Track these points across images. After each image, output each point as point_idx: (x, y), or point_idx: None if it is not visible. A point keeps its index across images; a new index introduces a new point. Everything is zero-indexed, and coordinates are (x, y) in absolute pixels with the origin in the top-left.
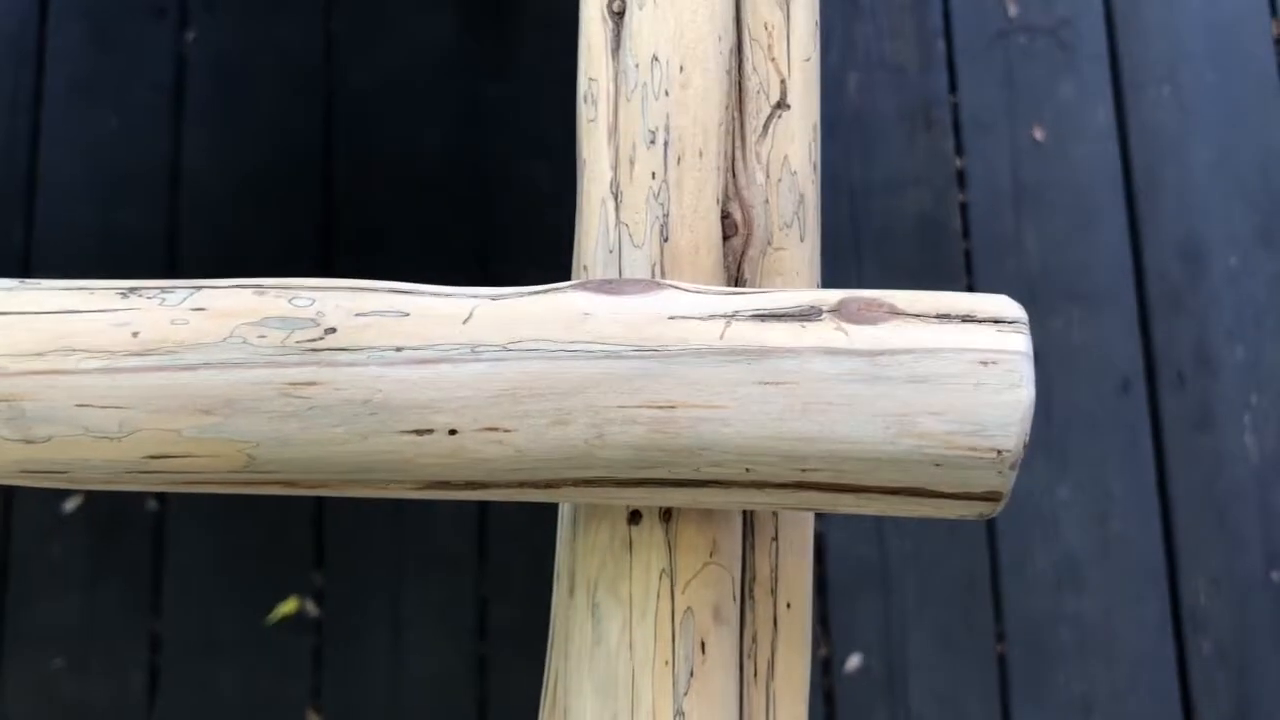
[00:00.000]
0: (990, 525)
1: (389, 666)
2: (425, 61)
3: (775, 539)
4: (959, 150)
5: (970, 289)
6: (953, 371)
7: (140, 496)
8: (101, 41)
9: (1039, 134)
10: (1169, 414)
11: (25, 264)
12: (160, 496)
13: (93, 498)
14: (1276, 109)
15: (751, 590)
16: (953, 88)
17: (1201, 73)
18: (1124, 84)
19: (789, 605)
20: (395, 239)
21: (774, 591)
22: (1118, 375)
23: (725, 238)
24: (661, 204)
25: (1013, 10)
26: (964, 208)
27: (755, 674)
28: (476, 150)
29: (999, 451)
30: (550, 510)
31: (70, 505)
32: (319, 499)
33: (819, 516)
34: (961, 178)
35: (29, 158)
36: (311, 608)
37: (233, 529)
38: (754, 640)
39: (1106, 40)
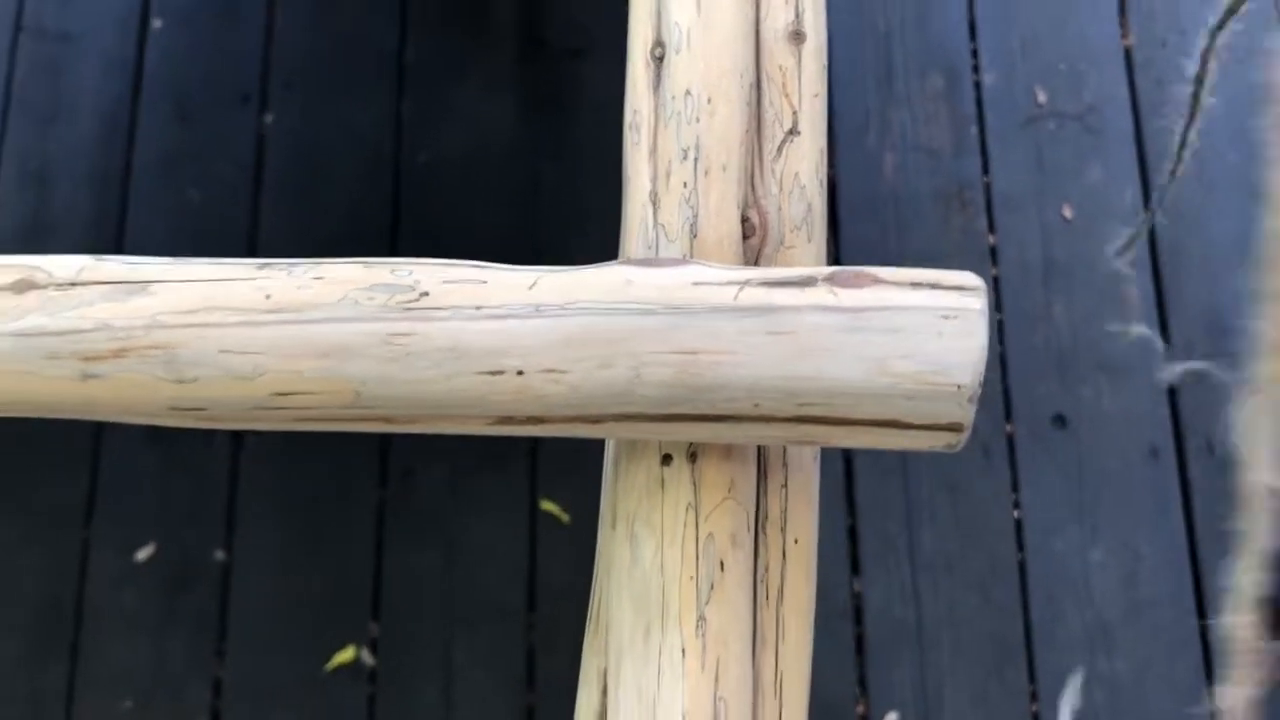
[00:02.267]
0: (1023, 587)
1: (441, 714)
2: (487, 143)
3: (785, 485)
4: (991, 228)
5: (1003, 359)
6: (921, 324)
7: (209, 548)
8: (188, 121)
9: (1068, 212)
10: (1198, 481)
11: None
12: (228, 547)
13: (164, 548)
14: None
15: (764, 527)
16: (985, 170)
17: (1222, 152)
18: (1149, 166)
19: (796, 541)
20: None
21: (784, 529)
22: (1146, 443)
23: (745, 237)
24: (691, 207)
25: (1041, 97)
26: (996, 282)
27: (767, 597)
28: (533, 223)
29: (958, 386)
30: (591, 568)
31: (143, 555)
32: (378, 553)
33: (858, 575)
34: (994, 254)
35: (117, 226)
36: (368, 656)
37: (295, 580)
38: (766, 569)
39: (1132, 125)
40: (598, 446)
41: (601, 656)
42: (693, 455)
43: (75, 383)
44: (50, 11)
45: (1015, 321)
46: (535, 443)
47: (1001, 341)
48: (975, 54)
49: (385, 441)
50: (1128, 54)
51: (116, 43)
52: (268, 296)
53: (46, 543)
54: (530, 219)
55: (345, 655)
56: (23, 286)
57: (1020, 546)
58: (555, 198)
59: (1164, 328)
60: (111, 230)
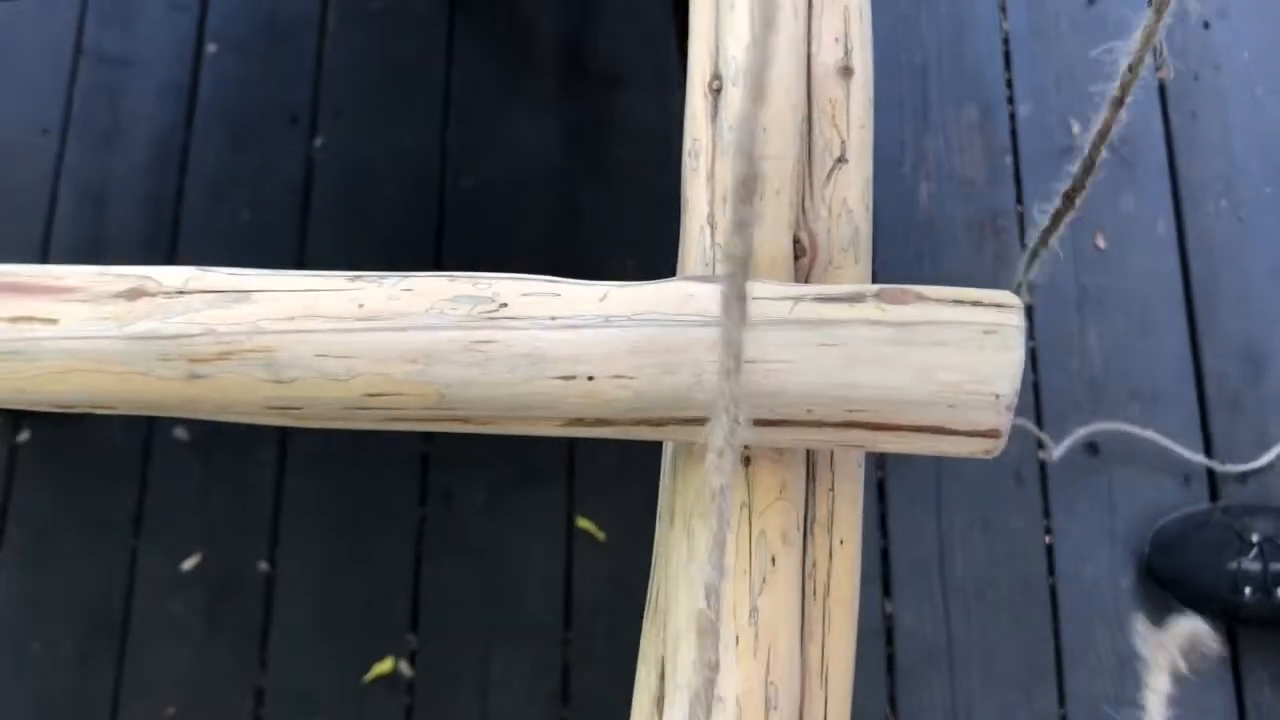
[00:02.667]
0: (1054, 612)
1: None
2: (530, 168)
3: (831, 489)
4: None
5: (1036, 386)
6: (963, 338)
7: (253, 559)
8: (239, 144)
9: (1101, 242)
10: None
11: None
12: (272, 559)
13: (209, 558)
14: None
15: (812, 529)
16: (1019, 199)
17: (1258, 187)
18: (1182, 198)
19: (842, 542)
20: None
21: (830, 530)
22: (1179, 471)
23: (796, 258)
24: None
25: (1076, 129)
26: (1030, 309)
27: (814, 592)
28: (572, 245)
29: (997, 395)
30: (625, 586)
31: (188, 565)
32: (417, 567)
33: (890, 597)
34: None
35: (169, 245)
36: (406, 668)
37: (336, 592)
38: (814, 566)
39: (1166, 157)
40: (632, 467)
41: (659, 643)
42: (747, 459)
43: (182, 382)
44: (109, 37)
45: (1048, 349)
46: (572, 462)
47: (1035, 369)
48: (1010, 85)
49: (426, 459)
50: (1162, 87)
51: (172, 67)
52: (360, 306)
53: (96, 551)
54: (570, 241)
55: (384, 666)
56: (135, 294)
57: (1051, 571)
58: (594, 222)
59: (1197, 358)
60: (164, 249)
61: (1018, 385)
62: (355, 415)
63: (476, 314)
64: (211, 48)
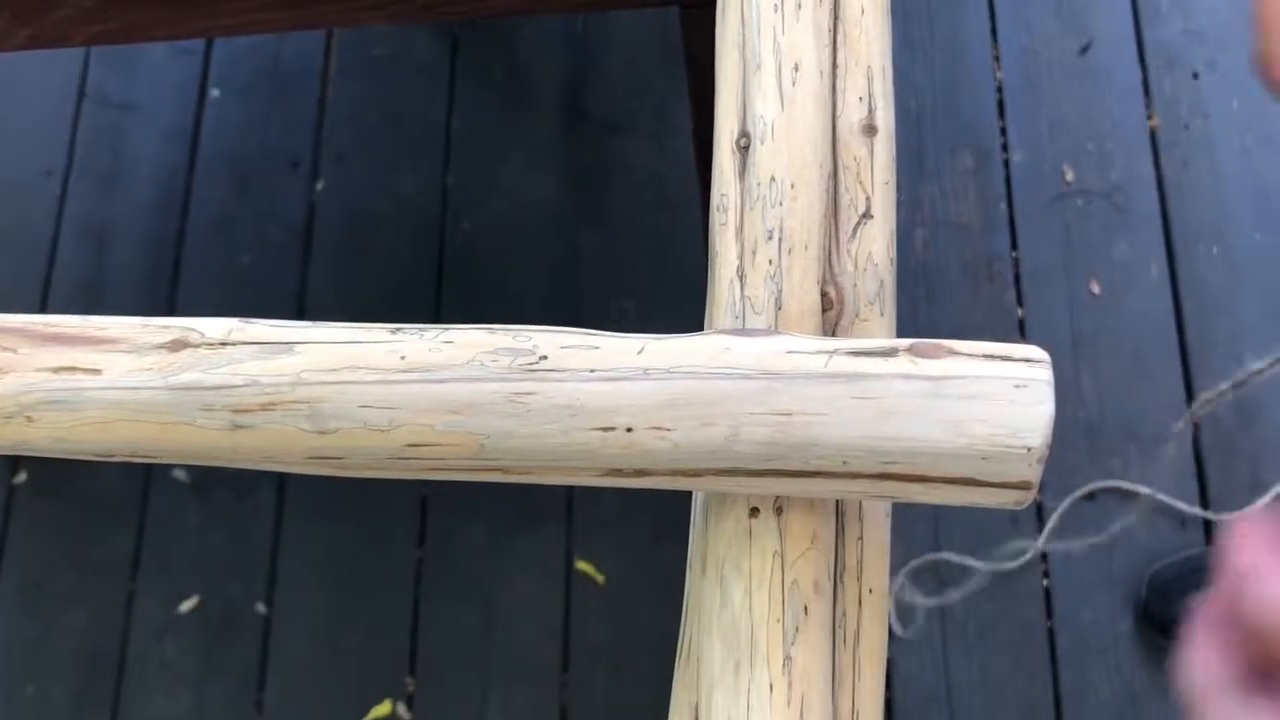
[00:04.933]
0: (1052, 655)
1: None
2: (529, 212)
3: (860, 538)
4: (1019, 301)
5: None
6: (995, 392)
7: (250, 601)
8: (241, 188)
9: (1095, 287)
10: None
11: None
12: (269, 601)
13: (206, 600)
14: None
15: (841, 577)
16: (1014, 245)
17: (1248, 233)
18: (1174, 243)
19: (870, 590)
20: None
21: (859, 579)
22: (1175, 514)
23: (824, 310)
24: (776, 283)
25: (1069, 176)
26: None
27: (844, 640)
28: (572, 289)
29: (1028, 448)
30: (624, 628)
31: (186, 606)
32: (416, 609)
33: (891, 645)
34: (1022, 326)
35: (170, 287)
36: (404, 711)
37: (334, 634)
38: (843, 614)
39: (1158, 204)
40: (632, 510)
41: (692, 691)
42: (779, 509)
43: (226, 432)
44: (113, 80)
45: None
46: (571, 504)
47: None
48: (1004, 133)
49: (425, 501)
50: (1153, 135)
51: (175, 112)
52: (402, 358)
53: (93, 593)
54: (568, 283)
55: (382, 709)
56: (177, 345)
57: (1049, 615)
58: (593, 264)
59: (1191, 402)
60: (165, 290)
61: (1049, 439)
62: (396, 465)
63: (517, 366)
64: (215, 92)
